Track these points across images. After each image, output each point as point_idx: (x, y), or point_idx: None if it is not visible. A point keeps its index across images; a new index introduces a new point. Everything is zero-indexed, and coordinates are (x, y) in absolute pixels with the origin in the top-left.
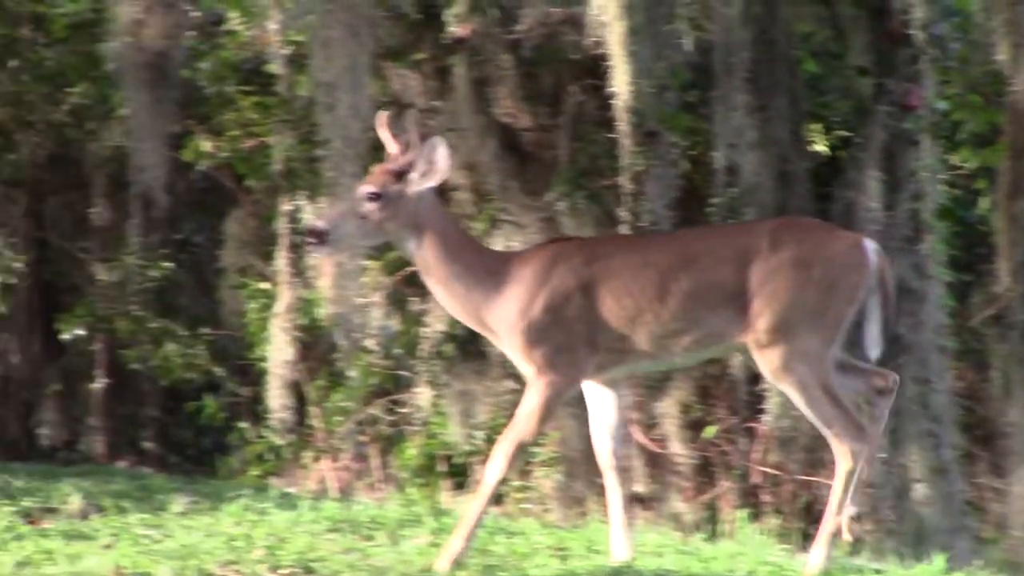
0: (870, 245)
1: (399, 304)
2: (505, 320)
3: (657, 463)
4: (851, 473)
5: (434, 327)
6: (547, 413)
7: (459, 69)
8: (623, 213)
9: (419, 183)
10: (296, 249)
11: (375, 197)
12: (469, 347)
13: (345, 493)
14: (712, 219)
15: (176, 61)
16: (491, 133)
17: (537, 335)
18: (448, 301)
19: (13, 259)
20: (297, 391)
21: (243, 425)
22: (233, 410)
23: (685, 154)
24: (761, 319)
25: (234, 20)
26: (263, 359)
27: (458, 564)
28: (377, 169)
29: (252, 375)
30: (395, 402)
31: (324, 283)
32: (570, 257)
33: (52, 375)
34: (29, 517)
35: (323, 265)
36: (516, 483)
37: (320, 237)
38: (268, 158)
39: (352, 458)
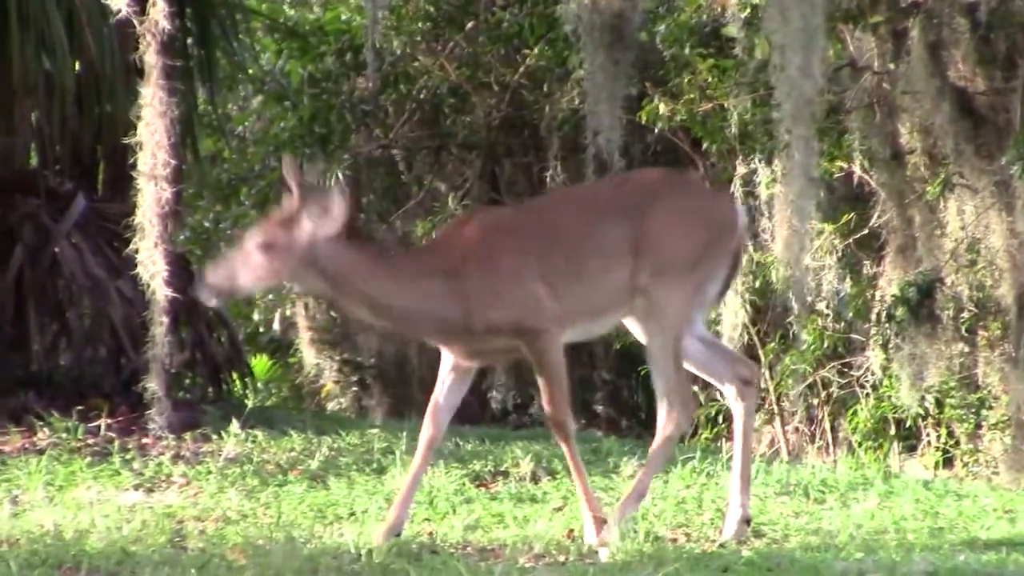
0: (740, 207)
1: (851, 267)
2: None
3: None
4: (671, 440)
5: (886, 290)
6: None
7: (915, 32)
8: None
9: (312, 232)
10: (750, 212)
11: (264, 248)
12: (921, 310)
13: (795, 456)
14: None
15: (634, 23)
16: (946, 96)
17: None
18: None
19: None
20: (750, 354)
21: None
22: None
23: None
24: (645, 264)
25: None
26: (716, 322)
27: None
28: (269, 218)
29: None
30: (846, 365)
31: (777, 247)
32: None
33: None
34: (479, 480)
35: (777, 229)
36: (966, 446)
37: (213, 293)
38: (724, 121)
39: (803, 421)
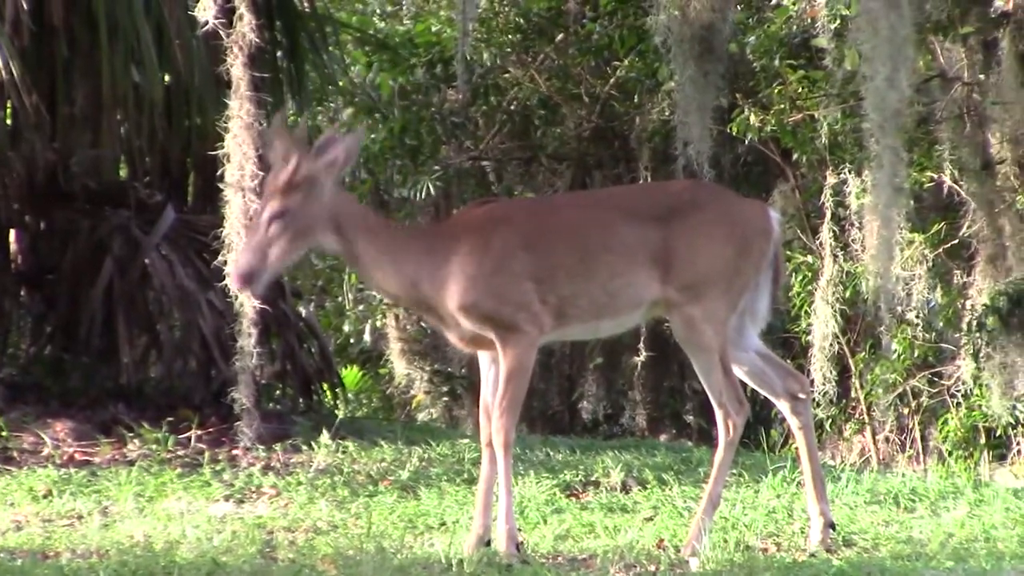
0: (774, 213)
1: (942, 277)
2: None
3: None
4: (733, 445)
5: (976, 300)
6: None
7: (1004, 43)
8: None
9: (325, 182)
10: (840, 222)
11: (279, 215)
12: (1011, 319)
13: (886, 465)
14: None
15: (723, 35)
16: None
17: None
18: (383, 286)
19: None
20: (840, 364)
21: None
22: None
23: None
24: (673, 279)
25: None
26: (806, 332)
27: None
28: (268, 188)
29: (795, 348)
30: (936, 374)
31: (867, 257)
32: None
33: (594, 349)
34: (570, 490)
35: (866, 239)
36: None
37: (247, 280)
38: (814, 131)
39: (893, 430)
